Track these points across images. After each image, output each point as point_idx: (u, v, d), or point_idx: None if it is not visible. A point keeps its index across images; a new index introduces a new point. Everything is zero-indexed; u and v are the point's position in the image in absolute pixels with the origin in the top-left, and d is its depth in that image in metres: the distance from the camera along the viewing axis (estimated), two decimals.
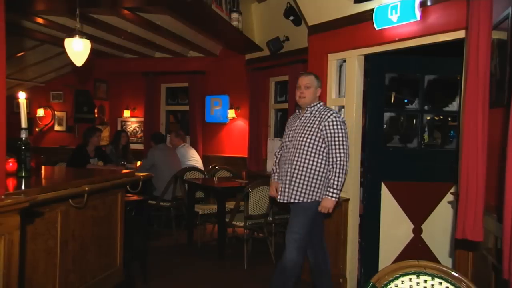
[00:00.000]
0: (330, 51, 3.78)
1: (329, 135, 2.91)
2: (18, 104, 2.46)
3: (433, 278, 1.42)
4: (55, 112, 8.53)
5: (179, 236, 5.31)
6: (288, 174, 3.01)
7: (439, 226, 3.55)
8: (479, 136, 1.96)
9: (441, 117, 4.12)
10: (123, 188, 3.16)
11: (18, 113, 2.49)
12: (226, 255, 4.65)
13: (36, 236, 2.28)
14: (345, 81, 3.73)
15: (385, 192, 3.60)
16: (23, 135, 2.54)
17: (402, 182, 3.60)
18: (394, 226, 3.61)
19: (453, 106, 3.73)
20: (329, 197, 2.89)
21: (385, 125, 3.79)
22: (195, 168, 5.73)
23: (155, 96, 7.86)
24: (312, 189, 2.94)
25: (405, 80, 3.96)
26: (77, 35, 3.76)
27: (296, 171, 2.96)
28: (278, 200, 3.10)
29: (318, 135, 2.93)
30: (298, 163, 2.95)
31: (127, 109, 8.11)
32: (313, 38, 3.96)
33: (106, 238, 3.01)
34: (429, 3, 2.93)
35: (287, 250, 2.98)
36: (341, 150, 2.89)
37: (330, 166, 2.92)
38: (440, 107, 3.91)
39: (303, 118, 3.07)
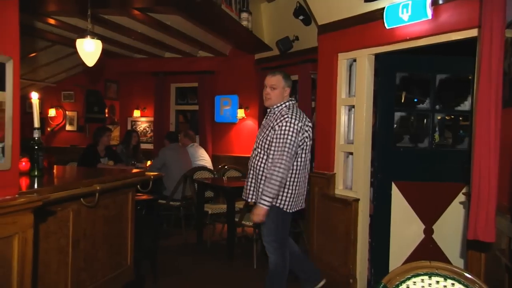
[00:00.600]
0: (340, 50, 3.76)
1: (273, 138, 2.80)
2: (30, 104, 2.48)
3: (445, 279, 1.41)
4: (66, 112, 8.63)
5: (188, 236, 5.33)
6: (250, 174, 2.99)
7: (450, 227, 3.52)
8: (491, 136, 1.93)
9: (452, 116, 4.07)
10: (134, 187, 3.18)
11: (30, 113, 2.52)
12: (236, 254, 4.66)
13: (49, 235, 2.30)
14: (355, 80, 3.71)
15: (395, 192, 3.57)
16: (36, 134, 2.57)
17: (413, 182, 3.57)
18: (405, 227, 3.58)
19: (465, 106, 3.69)
20: (260, 204, 2.76)
21: (395, 125, 3.76)
22: (204, 168, 5.74)
23: (165, 96, 7.90)
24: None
25: (416, 80, 3.92)
26: (88, 36, 3.80)
27: (255, 172, 2.93)
28: (243, 198, 3.09)
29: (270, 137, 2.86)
30: (257, 165, 2.91)
31: (137, 109, 8.16)
32: (323, 38, 3.95)
33: (117, 237, 3.03)
34: (440, 2, 2.90)
35: (268, 255, 2.97)
36: (278, 157, 2.74)
37: (267, 170, 2.79)
38: (451, 107, 3.87)
39: (268, 119, 3.01)
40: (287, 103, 2.96)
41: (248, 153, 6.78)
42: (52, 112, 8.60)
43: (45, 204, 1.82)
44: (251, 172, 3.00)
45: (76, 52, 4.06)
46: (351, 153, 3.80)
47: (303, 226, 4.86)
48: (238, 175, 5.91)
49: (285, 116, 2.82)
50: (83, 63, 4.13)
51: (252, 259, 4.37)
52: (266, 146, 2.86)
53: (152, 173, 3.30)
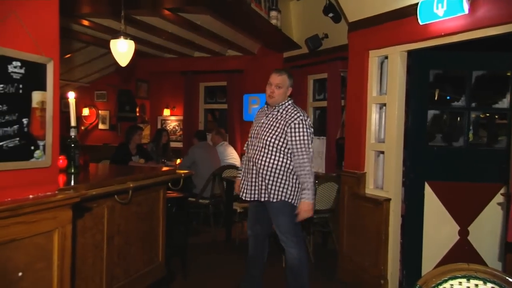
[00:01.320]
0: (371, 47, 3.70)
1: (293, 138, 2.87)
2: (66, 104, 2.56)
3: (485, 283, 1.36)
4: (99, 111, 8.86)
5: (217, 233, 5.38)
6: (254, 172, 2.98)
7: (487, 229, 3.40)
8: None
9: (487, 114, 3.94)
10: (165, 185, 3.23)
11: (66, 112, 2.60)
12: None
13: (85, 230, 2.38)
14: (386, 78, 3.64)
15: (428, 192, 3.48)
16: (73, 133, 2.65)
17: (447, 182, 3.47)
18: (439, 228, 3.49)
19: (503, 103, 3.56)
20: (303, 199, 2.88)
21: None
22: (233, 166, 5.78)
23: (194, 95, 7.99)
24: (278, 187, 2.91)
25: (450, 77, 3.81)
26: (122, 36, 3.89)
27: (261, 170, 2.93)
28: (244, 198, 3.08)
29: (283, 135, 2.89)
30: (264, 162, 2.92)
31: (167, 108, 8.29)
32: (354, 35, 3.89)
33: (149, 234, 3.09)
34: None
35: (287, 251, 3.02)
36: (304, 153, 2.86)
37: (296, 169, 2.89)
38: (488, 104, 3.74)
39: (270, 116, 3.00)
40: (290, 102, 3.03)
41: None
42: (85, 111, 8.86)
43: (83, 201, 1.88)
44: (254, 170, 2.98)
45: (109, 53, 4.17)
46: (382, 152, 3.73)
47: (332, 225, 4.82)
48: None
49: (298, 115, 2.92)
50: (116, 63, 4.23)
51: (281, 258, 4.37)
52: (277, 144, 2.90)
53: (182, 171, 3.34)
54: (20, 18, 1.53)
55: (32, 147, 1.60)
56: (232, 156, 6.15)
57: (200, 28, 5.53)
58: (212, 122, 8.92)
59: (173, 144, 7.56)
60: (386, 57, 3.63)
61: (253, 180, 2.99)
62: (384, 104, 3.66)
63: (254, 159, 2.98)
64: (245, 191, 3.06)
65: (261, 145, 2.94)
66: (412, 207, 3.53)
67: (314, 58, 5.98)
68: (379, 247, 3.56)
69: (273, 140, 2.90)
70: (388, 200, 3.54)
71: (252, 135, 3.10)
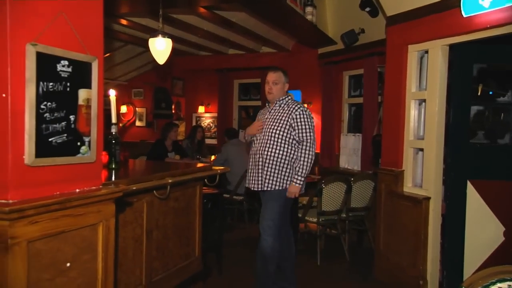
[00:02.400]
0: (411, 42, 3.60)
1: (298, 125, 3.07)
2: (106, 101, 2.63)
3: None
4: (136, 109, 9.08)
5: (251, 229, 5.40)
6: (260, 163, 3.14)
7: None
8: None
9: None
10: (202, 181, 3.28)
11: (106, 110, 2.67)
12: (299, 250, 4.64)
13: (126, 224, 2.45)
14: (426, 73, 3.53)
15: (471, 191, 3.36)
16: (113, 129, 2.73)
17: (492, 181, 3.34)
18: (481, 228, 3.35)
19: None
20: (294, 184, 3.07)
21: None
22: None
23: (228, 92, 8.05)
24: (282, 177, 3.10)
25: (495, 71, 3.65)
26: (160, 35, 3.96)
27: (267, 161, 3.10)
28: (252, 189, 3.21)
29: (287, 126, 3.09)
30: (269, 153, 3.10)
31: (201, 105, 8.40)
32: (392, 29, 3.80)
33: (186, 229, 3.14)
34: None
35: (262, 238, 3.14)
36: (309, 137, 3.07)
37: (299, 153, 3.09)
38: None
39: (272, 111, 3.21)
40: (289, 97, 3.26)
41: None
42: (123, 109, 9.10)
43: (124, 195, 1.93)
44: (260, 162, 3.13)
45: (146, 51, 4.26)
46: (421, 149, 3.63)
47: (368, 224, 4.74)
48: None
49: (298, 106, 3.15)
50: (154, 61, 4.31)
51: (316, 255, 4.34)
52: (282, 134, 3.09)
53: (219, 168, 3.38)
54: (68, 18, 1.59)
55: (78, 143, 1.66)
56: None
57: (235, 25, 5.56)
58: (246, 119, 8.96)
59: (208, 141, 7.65)
60: (426, 52, 3.52)
61: (259, 171, 3.15)
62: (424, 100, 3.56)
63: (260, 151, 3.15)
64: (252, 181, 3.22)
65: (267, 137, 3.13)
66: (453, 206, 3.42)
67: (350, 53, 5.89)
68: (418, 246, 3.47)
69: (278, 131, 3.10)
70: (428, 198, 3.44)
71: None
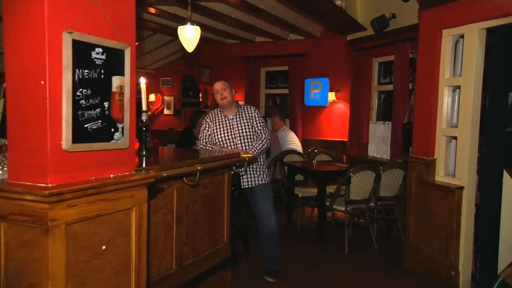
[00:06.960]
0: (445, 26, 3.48)
1: (257, 124, 3.57)
2: (136, 89, 2.67)
3: None
4: (164, 97, 9.20)
5: (278, 217, 5.37)
6: (253, 163, 3.55)
7: None
8: None
9: None
10: (230, 168, 3.30)
11: (136, 98, 2.71)
12: (326, 238, 4.64)
13: (157, 210, 2.50)
14: (461, 59, 3.41)
15: (507, 181, 3.23)
16: (144, 117, 2.76)
17: None
18: None
19: None
20: (252, 152, 3.44)
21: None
22: (294, 151, 5.76)
23: (255, 80, 8.03)
24: (265, 170, 3.65)
25: None
26: (188, 23, 3.97)
27: (256, 159, 3.53)
28: (248, 187, 3.57)
29: (253, 127, 3.56)
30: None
31: None
32: (426, 13, 3.68)
33: (215, 215, 3.18)
34: None
35: (270, 224, 3.60)
36: (267, 131, 3.59)
37: (259, 141, 3.52)
38: None
39: (238, 118, 3.57)
40: (243, 105, 3.70)
41: (339, 137, 6.72)
42: (152, 97, 9.24)
43: (155, 181, 1.96)
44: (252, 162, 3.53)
45: (174, 40, 4.29)
46: (454, 138, 3.53)
47: (397, 213, 4.67)
48: (328, 159, 5.84)
49: (253, 109, 3.64)
50: (182, 50, 4.34)
51: (344, 244, 4.32)
52: (254, 136, 3.55)
53: (246, 155, 3.38)
54: (101, 6, 1.61)
55: (112, 129, 1.69)
56: (293, 141, 6.13)
57: (262, 12, 5.51)
58: (273, 108, 8.93)
59: None
60: (462, 36, 3.40)
61: (253, 169, 3.57)
62: (458, 87, 3.45)
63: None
64: (247, 181, 3.58)
65: (247, 140, 3.53)
66: (488, 196, 3.32)
67: (380, 39, 5.76)
68: (450, 237, 3.39)
69: (251, 134, 3.55)
70: (461, 188, 3.35)
71: (228, 138, 3.53)
